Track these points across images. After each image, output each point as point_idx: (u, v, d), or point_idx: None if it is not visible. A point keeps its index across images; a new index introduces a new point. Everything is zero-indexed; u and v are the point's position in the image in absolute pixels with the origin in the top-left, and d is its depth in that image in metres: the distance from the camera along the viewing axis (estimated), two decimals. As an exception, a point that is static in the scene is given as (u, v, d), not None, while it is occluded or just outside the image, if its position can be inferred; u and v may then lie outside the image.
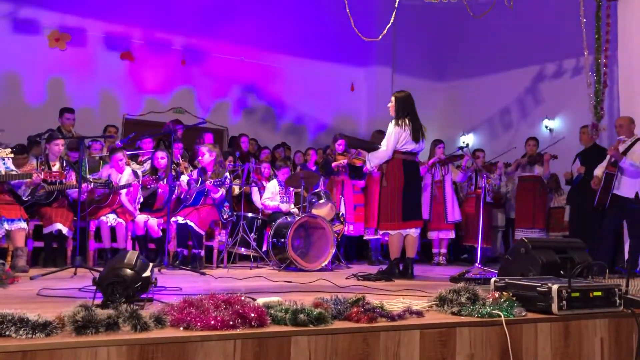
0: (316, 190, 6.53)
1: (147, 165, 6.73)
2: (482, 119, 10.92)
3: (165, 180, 5.96)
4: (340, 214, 6.72)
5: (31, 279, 4.19)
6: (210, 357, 2.09)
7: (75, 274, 4.53)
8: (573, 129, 8.90)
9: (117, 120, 8.62)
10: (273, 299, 2.52)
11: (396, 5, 6.48)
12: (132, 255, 2.58)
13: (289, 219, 6.10)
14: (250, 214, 6.68)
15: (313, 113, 10.65)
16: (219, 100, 9.91)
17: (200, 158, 6.13)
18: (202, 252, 5.86)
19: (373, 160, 5.18)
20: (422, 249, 7.84)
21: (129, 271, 2.49)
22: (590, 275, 3.37)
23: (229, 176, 6.33)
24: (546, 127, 9.85)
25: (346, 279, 4.86)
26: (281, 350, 2.21)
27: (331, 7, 9.15)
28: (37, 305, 2.62)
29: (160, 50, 9.37)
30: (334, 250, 5.99)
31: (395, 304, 2.78)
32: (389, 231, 5.08)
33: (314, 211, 6.22)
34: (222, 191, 6.01)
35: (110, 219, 5.76)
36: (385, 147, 5.06)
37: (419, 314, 2.63)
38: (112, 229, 5.79)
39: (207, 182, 5.86)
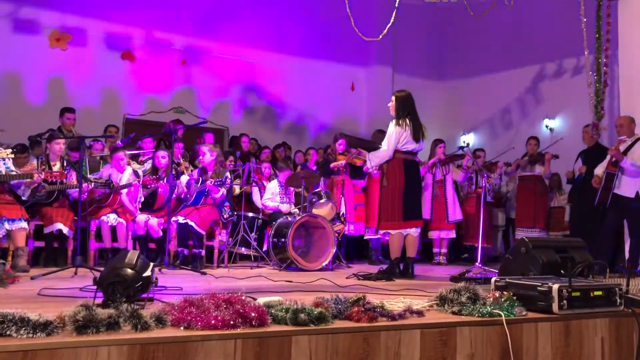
0: (317, 190, 6.53)
1: (148, 165, 6.74)
2: (483, 118, 10.92)
3: (165, 179, 5.96)
4: (341, 213, 6.72)
5: (32, 278, 4.19)
6: (211, 356, 2.09)
7: (75, 273, 4.53)
8: (573, 129, 8.91)
9: (118, 120, 8.62)
10: (274, 298, 2.52)
11: (396, 5, 6.47)
12: (132, 255, 2.58)
13: (289, 219, 6.10)
14: (250, 214, 6.68)
15: (313, 113, 10.65)
16: (219, 100, 9.91)
17: (201, 158, 6.13)
18: (203, 252, 5.86)
19: (374, 160, 5.18)
20: (423, 249, 7.84)
21: (129, 271, 2.49)
22: (591, 274, 3.37)
23: (229, 176, 6.33)
24: (547, 126, 9.85)
25: (347, 278, 4.86)
26: (282, 349, 2.21)
27: (332, 6, 9.15)
28: (37, 305, 2.62)
29: (160, 50, 9.38)
30: (334, 250, 5.99)
31: (395, 304, 2.78)
32: (390, 231, 5.08)
33: (315, 211, 6.22)
34: (222, 191, 6.02)
35: (111, 218, 5.77)
36: (386, 146, 5.06)
37: (420, 313, 2.63)
38: (113, 229, 5.79)
39: (208, 182, 5.86)
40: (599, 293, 2.90)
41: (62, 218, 5.49)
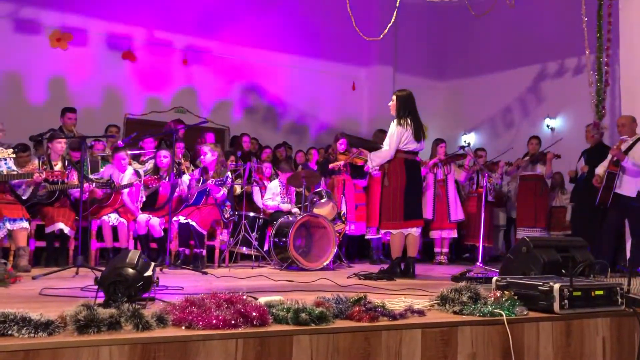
0: (318, 190, 6.53)
1: (149, 165, 6.74)
2: (484, 118, 10.91)
3: (167, 178, 5.97)
4: (342, 213, 6.72)
5: (33, 278, 4.20)
6: (212, 356, 2.09)
7: (77, 273, 4.54)
8: (575, 128, 8.91)
9: (119, 120, 8.62)
10: (275, 298, 2.52)
11: (397, 5, 6.47)
12: (134, 255, 2.58)
13: (290, 219, 6.10)
14: (251, 214, 6.68)
15: (314, 112, 10.65)
16: (220, 99, 9.91)
17: (202, 157, 6.14)
18: (204, 252, 5.86)
19: (375, 160, 5.18)
20: (424, 248, 7.83)
21: (130, 270, 2.49)
22: (592, 274, 3.37)
23: (230, 176, 6.34)
24: (548, 126, 9.85)
25: (348, 278, 4.86)
26: (283, 349, 2.21)
27: (332, 6, 9.15)
28: (39, 305, 2.63)
29: (161, 49, 9.38)
30: (335, 250, 5.99)
31: (396, 303, 2.78)
32: (391, 230, 5.08)
33: (316, 210, 6.22)
34: (223, 191, 6.02)
35: (112, 218, 5.77)
36: (388, 146, 5.06)
37: (421, 313, 2.63)
38: (114, 229, 5.80)
39: (209, 182, 5.86)
40: (600, 292, 2.90)
41: (64, 218, 5.49)
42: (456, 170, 7.71)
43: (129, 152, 6.44)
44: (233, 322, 2.17)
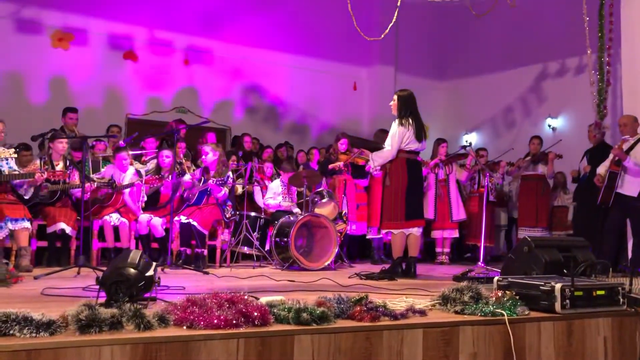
0: (319, 190, 6.53)
1: (151, 165, 6.75)
2: (485, 117, 10.90)
3: (170, 177, 5.97)
4: (343, 213, 6.72)
5: (35, 278, 4.20)
6: (214, 356, 2.09)
7: (78, 273, 4.54)
8: (576, 128, 8.90)
9: (120, 120, 8.63)
10: (276, 298, 2.52)
11: (398, 4, 6.47)
12: (135, 255, 2.58)
13: (291, 218, 6.10)
14: (253, 213, 6.68)
15: (315, 112, 10.65)
16: (221, 99, 9.91)
17: (203, 157, 6.14)
18: (205, 252, 5.86)
19: (377, 160, 5.17)
20: (425, 248, 7.84)
21: (132, 270, 2.50)
22: (594, 274, 3.36)
23: (231, 175, 6.34)
24: (549, 125, 9.83)
25: (349, 278, 4.86)
26: (284, 349, 2.21)
27: (333, 6, 9.15)
28: (41, 305, 2.63)
29: (163, 49, 9.38)
30: (336, 250, 5.99)
31: (398, 303, 2.78)
32: (392, 230, 5.07)
33: (317, 210, 6.22)
34: (225, 190, 6.02)
35: (114, 218, 5.78)
36: (390, 146, 5.05)
37: (422, 312, 2.63)
38: (116, 229, 5.80)
39: (210, 182, 5.86)
40: (602, 292, 2.90)
41: (65, 218, 5.50)
42: (458, 170, 7.70)
43: (131, 152, 6.45)
44: (234, 322, 2.17)
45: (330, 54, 10.56)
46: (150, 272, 2.56)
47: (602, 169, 6.15)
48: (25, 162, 5.95)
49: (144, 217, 5.89)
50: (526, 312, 2.74)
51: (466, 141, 10.53)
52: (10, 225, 4.98)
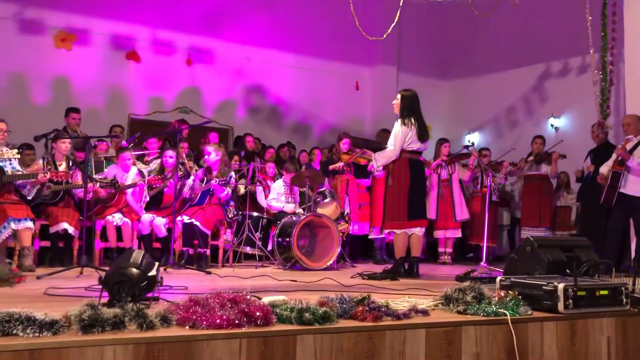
0: (321, 190, 6.53)
1: (153, 165, 6.75)
2: (488, 117, 10.88)
3: (173, 177, 5.97)
4: (345, 212, 6.72)
5: (38, 278, 4.21)
6: (216, 355, 2.10)
7: (81, 273, 4.54)
8: (579, 128, 8.88)
9: (123, 120, 8.64)
10: (278, 297, 2.52)
11: (401, 4, 6.47)
12: (138, 255, 2.59)
13: (294, 218, 6.10)
14: (255, 213, 6.68)
15: (318, 112, 10.65)
16: (224, 99, 9.92)
17: (206, 157, 6.15)
18: (208, 251, 5.87)
19: (380, 160, 5.17)
20: (428, 248, 7.83)
21: (135, 270, 2.50)
22: (597, 273, 3.36)
23: (234, 175, 6.34)
24: (552, 125, 9.81)
25: (351, 277, 4.86)
26: (287, 349, 2.21)
27: (336, 6, 9.14)
28: (43, 304, 2.63)
29: (165, 50, 9.39)
30: (339, 249, 5.99)
31: (400, 303, 2.78)
32: (394, 230, 5.07)
33: (319, 210, 6.22)
34: (227, 190, 6.03)
35: (116, 218, 5.79)
36: (393, 146, 5.05)
37: (425, 312, 2.63)
38: (118, 229, 5.81)
39: (213, 182, 5.87)
40: (605, 292, 2.90)
41: (68, 218, 5.51)
42: (460, 169, 7.69)
43: (133, 153, 6.46)
44: (237, 321, 2.17)
45: (332, 53, 10.56)
46: (152, 272, 2.57)
47: (604, 168, 6.14)
48: (28, 161, 5.96)
49: (146, 217, 5.89)
50: (529, 312, 2.74)
51: (469, 141, 10.53)
52: (13, 225, 4.99)
